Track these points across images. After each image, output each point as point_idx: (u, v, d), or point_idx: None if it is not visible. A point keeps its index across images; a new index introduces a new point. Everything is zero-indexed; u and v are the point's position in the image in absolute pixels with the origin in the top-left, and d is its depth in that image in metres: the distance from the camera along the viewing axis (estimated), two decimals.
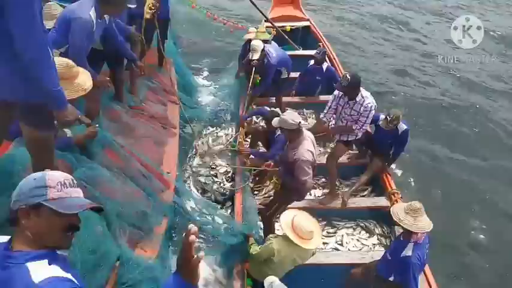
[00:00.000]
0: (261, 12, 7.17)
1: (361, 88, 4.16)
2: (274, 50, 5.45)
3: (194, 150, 5.41)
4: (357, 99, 4.12)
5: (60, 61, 2.52)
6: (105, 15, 3.15)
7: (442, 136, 6.78)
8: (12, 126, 2.32)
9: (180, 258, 1.23)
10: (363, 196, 4.69)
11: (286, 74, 5.57)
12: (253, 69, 5.35)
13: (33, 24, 1.77)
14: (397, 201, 4.18)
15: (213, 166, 5.14)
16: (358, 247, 4.17)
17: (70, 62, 2.59)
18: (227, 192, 4.81)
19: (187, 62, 6.92)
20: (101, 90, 3.58)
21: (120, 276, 2.45)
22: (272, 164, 4.39)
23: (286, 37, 6.94)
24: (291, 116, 3.54)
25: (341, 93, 4.25)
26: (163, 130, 4.40)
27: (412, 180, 5.68)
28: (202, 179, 4.98)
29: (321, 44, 7.07)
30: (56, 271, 1.24)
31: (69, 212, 1.31)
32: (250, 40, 6.09)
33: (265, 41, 5.50)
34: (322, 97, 6.04)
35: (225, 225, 4.01)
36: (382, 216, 4.41)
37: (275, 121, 3.67)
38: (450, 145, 6.56)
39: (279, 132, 4.42)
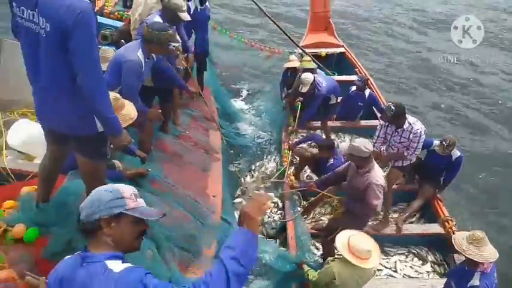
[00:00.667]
0: (291, 39, 7.40)
1: (407, 115, 4.21)
2: (323, 80, 5.58)
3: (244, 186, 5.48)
4: (405, 127, 4.17)
5: None
6: (152, 55, 3.34)
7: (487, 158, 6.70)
8: (66, 161, 2.60)
9: (248, 214, 1.41)
10: (411, 223, 4.69)
11: (334, 100, 5.69)
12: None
13: (94, 59, 2.03)
14: (451, 228, 4.20)
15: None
16: (413, 274, 4.15)
17: (116, 94, 2.83)
18: (278, 224, 4.80)
19: (225, 85, 7.12)
20: (153, 124, 3.82)
21: None
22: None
23: (319, 64, 7.00)
24: (363, 143, 3.54)
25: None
26: (206, 156, 4.54)
27: (462, 206, 5.60)
28: None
29: (357, 69, 7.19)
30: (130, 265, 1.40)
31: (151, 219, 1.50)
32: (290, 68, 6.34)
33: (310, 70, 5.64)
34: (364, 122, 6.17)
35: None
36: (435, 243, 4.41)
37: (343, 148, 3.71)
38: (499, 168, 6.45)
39: (332, 161, 4.52)
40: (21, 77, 2.95)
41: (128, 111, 2.87)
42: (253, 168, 5.86)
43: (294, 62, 6.20)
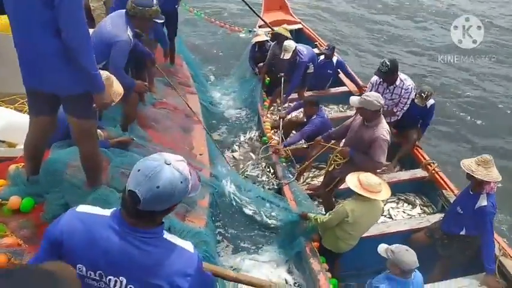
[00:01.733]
0: (257, 15, 7.45)
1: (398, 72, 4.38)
2: (303, 47, 5.68)
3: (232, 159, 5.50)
4: (397, 83, 4.33)
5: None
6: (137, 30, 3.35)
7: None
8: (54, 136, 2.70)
9: None
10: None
11: (312, 69, 5.80)
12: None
13: (78, 15, 2.09)
14: (434, 170, 4.51)
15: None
16: (406, 217, 4.41)
17: (107, 72, 2.88)
18: (275, 186, 4.83)
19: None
20: (137, 96, 3.85)
21: None
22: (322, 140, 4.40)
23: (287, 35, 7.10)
24: (375, 97, 3.56)
25: (379, 80, 4.46)
26: (187, 118, 4.61)
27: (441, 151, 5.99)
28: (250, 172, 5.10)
29: (317, 43, 7.42)
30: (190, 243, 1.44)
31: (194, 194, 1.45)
32: (258, 43, 6.40)
33: (285, 38, 5.74)
34: (333, 90, 6.37)
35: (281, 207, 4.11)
36: (420, 187, 4.70)
37: (355, 101, 3.67)
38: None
39: (314, 117, 4.66)
40: (10, 69, 3.02)
41: (118, 87, 2.93)
42: (235, 141, 5.85)
43: (262, 36, 6.27)
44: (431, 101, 4.68)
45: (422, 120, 4.85)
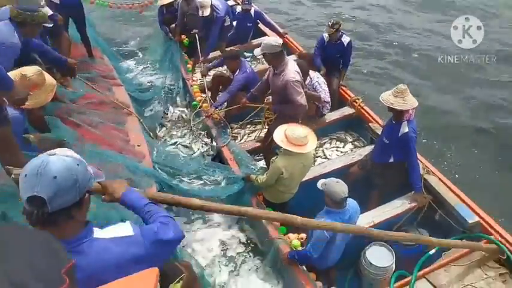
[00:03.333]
0: None
1: None
2: (218, 1, 5.47)
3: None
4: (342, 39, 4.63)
5: (32, 70, 2.81)
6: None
7: None
8: None
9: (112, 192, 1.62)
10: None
11: (229, 21, 5.64)
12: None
13: None
14: (360, 105, 4.76)
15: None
16: (340, 155, 4.66)
17: (38, 68, 2.85)
18: (212, 152, 4.75)
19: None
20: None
21: None
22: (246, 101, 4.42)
23: None
24: (272, 39, 3.60)
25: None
26: (116, 111, 4.33)
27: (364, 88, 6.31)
28: (183, 146, 4.96)
29: None
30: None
31: (100, 180, 1.49)
32: (164, 5, 6.04)
33: None
34: (255, 41, 6.27)
35: (222, 177, 4.13)
36: (349, 124, 4.95)
37: (257, 51, 3.69)
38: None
39: (237, 72, 4.61)
40: None
41: (50, 80, 2.93)
42: (165, 114, 5.61)
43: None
44: (347, 39, 4.82)
45: (342, 59, 5.01)
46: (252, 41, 6.29)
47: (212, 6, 5.32)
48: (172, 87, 5.98)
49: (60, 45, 4.46)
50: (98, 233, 1.30)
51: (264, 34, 6.35)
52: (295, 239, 3.42)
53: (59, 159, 1.16)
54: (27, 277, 0.85)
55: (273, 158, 3.72)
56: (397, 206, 3.68)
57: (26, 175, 1.13)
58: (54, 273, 0.89)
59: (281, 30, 6.18)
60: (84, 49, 5.19)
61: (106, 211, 2.46)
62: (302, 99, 3.71)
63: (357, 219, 3.11)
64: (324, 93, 4.55)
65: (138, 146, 3.81)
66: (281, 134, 3.38)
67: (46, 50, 3.57)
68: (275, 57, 3.65)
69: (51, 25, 3.37)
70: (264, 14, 6.27)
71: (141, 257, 1.31)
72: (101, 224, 1.40)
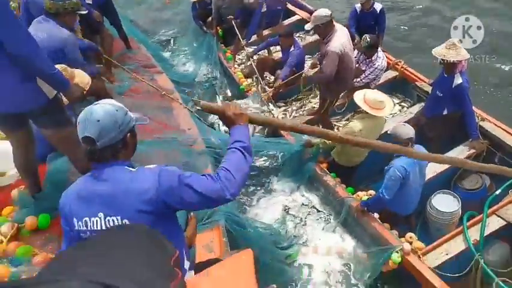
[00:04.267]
0: None
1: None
2: None
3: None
4: (373, 58, 4.53)
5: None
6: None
7: None
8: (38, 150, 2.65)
9: (231, 116, 1.58)
10: None
11: (265, 8, 5.85)
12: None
13: (13, 24, 2.00)
14: (403, 67, 4.91)
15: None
16: (391, 117, 4.76)
17: (63, 65, 2.81)
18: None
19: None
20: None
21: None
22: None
23: None
24: (322, 10, 3.81)
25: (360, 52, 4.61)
26: (162, 99, 4.42)
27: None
28: None
29: None
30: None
31: (145, 123, 1.61)
32: (196, 1, 6.30)
33: None
34: (286, 22, 6.47)
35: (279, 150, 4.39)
36: (395, 87, 5.09)
37: (308, 25, 3.93)
38: None
39: (292, 48, 4.84)
40: None
41: (81, 78, 2.90)
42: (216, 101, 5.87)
43: None
44: (379, 6, 5.00)
45: (377, 26, 5.16)
46: (283, 22, 6.49)
47: None
48: (212, 78, 6.23)
49: (104, 42, 4.70)
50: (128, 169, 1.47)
51: (293, 14, 6.55)
52: (364, 196, 3.68)
53: (101, 107, 1.41)
54: (152, 275, 0.85)
55: (346, 122, 3.84)
56: (456, 155, 3.85)
57: (78, 122, 1.41)
58: (168, 267, 0.93)
59: (312, 8, 6.34)
60: (121, 42, 5.36)
61: None
62: (328, 69, 3.85)
63: (426, 166, 3.32)
64: (371, 70, 4.63)
65: (189, 129, 4.02)
66: (360, 96, 3.55)
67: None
68: (325, 27, 3.84)
69: (85, 12, 3.40)
70: None
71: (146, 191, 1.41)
72: None
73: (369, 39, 4.44)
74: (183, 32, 7.32)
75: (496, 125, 3.92)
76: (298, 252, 3.64)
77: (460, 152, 3.86)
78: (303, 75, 4.58)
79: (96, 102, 1.43)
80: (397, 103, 5.03)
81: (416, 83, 4.67)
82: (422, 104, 4.38)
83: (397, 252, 3.11)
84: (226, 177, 1.42)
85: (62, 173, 2.78)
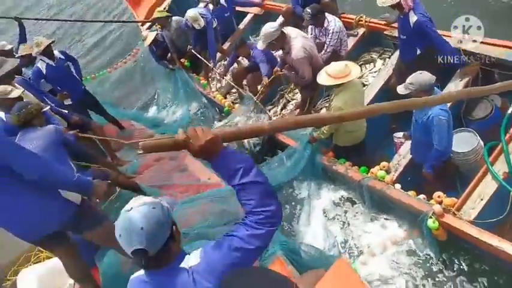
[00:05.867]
0: (134, 21, 7.27)
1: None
2: (201, 9, 5.70)
3: None
4: (325, 25, 4.40)
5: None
6: None
7: None
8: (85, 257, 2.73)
9: (200, 148, 1.32)
10: None
11: (215, 23, 5.77)
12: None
13: (22, 151, 2.07)
14: (367, 21, 4.69)
15: None
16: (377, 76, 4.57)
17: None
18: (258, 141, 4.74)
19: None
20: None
21: None
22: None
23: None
24: (268, 26, 3.78)
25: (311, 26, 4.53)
26: (175, 160, 4.56)
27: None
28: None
29: None
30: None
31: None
32: (151, 43, 6.25)
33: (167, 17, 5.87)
34: (242, 26, 6.34)
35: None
36: (368, 44, 4.89)
37: (260, 44, 3.90)
38: None
39: (252, 53, 4.78)
40: None
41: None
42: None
43: (149, 36, 6.11)
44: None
45: None
46: (239, 27, 6.36)
47: (201, 15, 5.51)
48: (202, 110, 6.22)
49: (95, 133, 4.66)
50: (185, 262, 1.39)
51: (246, 14, 6.40)
52: (378, 171, 3.51)
53: (137, 211, 1.29)
54: None
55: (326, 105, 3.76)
56: (453, 88, 3.62)
57: (120, 235, 1.30)
58: None
59: (258, 0, 6.17)
60: (113, 127, 5.53)
61: None
62: (307, 74, 3.90)
63: None
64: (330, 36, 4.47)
65: (209, 179, 4.02)
66: (323, 76, 3.49)
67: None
68: (279, 41, 3.86)
69: (47, 108, 3.47)
70: None
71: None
72: None
73: (309, 10, 4.32)
74: (157, 79, 7.31)
75: (479, 42, 3.60)
76: (357, 265, 3.45)
77: (455, 85, 3.63)
78: (282, 72, 4.45)
79: (127, 207, 1.32)
80: (377, 57, 4.81)
81: (385, 32, 4.43)
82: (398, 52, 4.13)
83: (431, 218, 2.94)
84: (260, 218, 1.32)
85: (115, 266, 2.82)
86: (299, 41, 3.87)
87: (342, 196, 4.07)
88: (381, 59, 4.78)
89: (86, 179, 2.33)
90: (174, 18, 5.98)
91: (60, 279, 3.12)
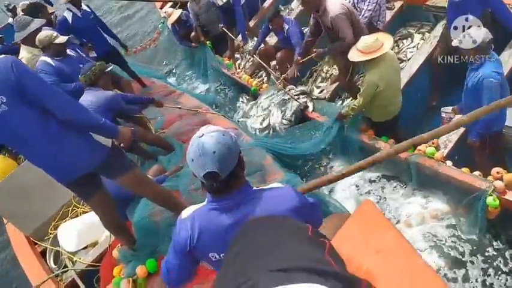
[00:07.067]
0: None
1: None
2: None
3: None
4: None
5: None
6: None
7: None
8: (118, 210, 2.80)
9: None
10: None
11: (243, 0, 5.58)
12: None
13: (53, 90, 2.08)
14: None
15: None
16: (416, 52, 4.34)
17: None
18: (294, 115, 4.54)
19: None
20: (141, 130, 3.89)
21: None
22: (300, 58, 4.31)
23: None
24: None
25: None
26: (198, 116, 4.55)
27: None
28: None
29: None
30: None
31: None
32: (174, 22, 6.08)
33: None
34: (266, 4, 6.12)
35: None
36: (406, 18, 4.67)
37: (294, 3, 3.65)
38: None
39: (286, 27, 4.54)
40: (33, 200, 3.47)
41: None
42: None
43: (175, 13, 5.95)
44: None
45: None
46: (263, 5, 6.14)
47: None
48: (226, 90, 6.04)
49: (125, 91, 4.73)
50: (254, 188, 1.46)
51: None
52: (427, 147, 3.30)
53: (210, 137, 1.33)
54: (313, 250, 0.89)
55: (362, 79, 3.55)
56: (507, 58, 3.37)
57: (192, 159, 1.33)
58: (315, 239, 0.97)
59: None
60: (136, 83, 5.56)
61: None
62: (348, 32, 3.52)
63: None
64: (374, 5, 4.13)
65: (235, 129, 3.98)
66: (354, 52, 3.28)
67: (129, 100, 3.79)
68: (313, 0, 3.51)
69: (110, 68, 3.63)
70: None
71: (296, 207, 1.39)
72: None
73: None
74: (179, 59, 7.14)
75: None
76: None
77: (509, 55, 3.37)
78: (314, 52, 4.15)
79: (199, 133, 1.37)
80: (415, 32, 4.55)
81: (426, 3, 4.16)
82: (444, 22, 3.88)
83: (491, 195, 2.73)
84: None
85: (145, 219, 2.91)
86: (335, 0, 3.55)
87: (380, 174, 3.87)
88: (418, 33, 4.52)
89: (111, 124, 2.37)
90: None
91: (97, 232, 3.32)
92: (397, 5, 4.54)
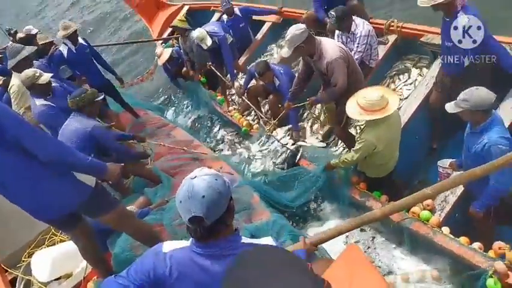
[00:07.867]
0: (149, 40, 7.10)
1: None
2: (211, 25, 5.28)
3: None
4: (352, 29, 3.86)
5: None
6: None
7: None
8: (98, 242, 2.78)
9: None
10: None
11: (231, 38, 5.36)
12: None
13: (33, 132, 2.02)
14: (399, 27, 4.13)
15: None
16: (412, 88, 4.03)
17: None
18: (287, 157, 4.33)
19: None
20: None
21: None
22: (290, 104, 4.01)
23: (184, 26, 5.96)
24: (293, 29, 3.12)
25: (338, 31, 4.01)
26: (190, 151, 4.42)
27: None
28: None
29: (212, 8, 6.85)
30: None
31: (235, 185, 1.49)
32: (165, 62, 5.93)
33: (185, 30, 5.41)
34: (259, 36, 5.89)
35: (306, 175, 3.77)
36: (401, 52, 4.34)
37: (284, 51, 3.24)
38: None
39: (276, 81, 4.38)
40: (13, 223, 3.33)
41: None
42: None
43: (165, 53, 5.79)
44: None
45: None
46: (256, 37, 5.91)
47: (209, 34, 5.09)
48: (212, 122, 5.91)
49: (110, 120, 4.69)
50: (244, 239, 1.43)
51: (263, 23, 5.93)
52: (422, 211, 2.97)
53: (201, 180, 1.31)
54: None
55: (356, 137, 3.18)
56: (509, 108, 3.02)
57: (180, 201, 1.31)
58: (314, 276, 1.04)
59: (276, 8, 5.70)
60: (128, 115, 5.50)
61: None
62: (341, 79, 3.18)
63: None
64: (357, 42, 3.90)
65: (221, 168, 4.00)
66: (354, 107, 2.90)
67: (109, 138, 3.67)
68: (308, 44, 3.15)
69: (101, 97, 3.67)
70: (248, 6, 5.84)
71: None
72: None
73: (333, 13, 3.77)
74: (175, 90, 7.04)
75: None
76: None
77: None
78: (308, 100, 3.84)
79: (191, 175, 1.36)
80: (412, 66, 4.21)
81: (421, 39, 3.83)
82: (440, 61, 3.53)
83: (491, 277, 2.38)
84: None
85: (126, 252, 2.85)
86: (331, 42, 3.27)
87: (370, 227, 3.53)
88: (416, 68, 4.18)
89: (99, 162, 2.31)
90: (197, 32, 5.27)
91: (72, 263, 3.22)
92: (391, 38, 4.20)
